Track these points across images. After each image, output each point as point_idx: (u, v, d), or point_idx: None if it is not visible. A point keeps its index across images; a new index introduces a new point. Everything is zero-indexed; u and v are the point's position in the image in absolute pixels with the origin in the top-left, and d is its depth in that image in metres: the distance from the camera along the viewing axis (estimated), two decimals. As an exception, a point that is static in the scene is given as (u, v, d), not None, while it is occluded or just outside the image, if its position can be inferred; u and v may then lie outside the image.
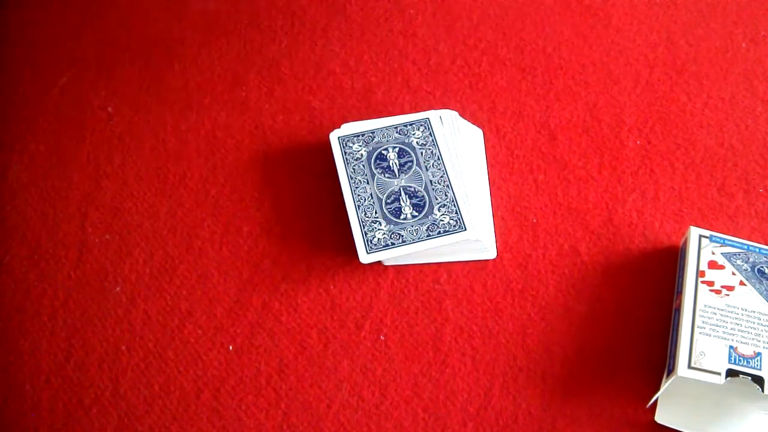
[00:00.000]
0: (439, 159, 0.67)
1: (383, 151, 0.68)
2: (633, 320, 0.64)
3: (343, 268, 0.67)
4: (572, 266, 0.66)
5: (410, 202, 0.65)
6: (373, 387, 0.62)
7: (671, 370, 0.57)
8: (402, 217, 0.65)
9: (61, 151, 0.74)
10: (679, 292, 0.61)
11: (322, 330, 0.64)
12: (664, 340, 0.63)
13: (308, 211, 0.70)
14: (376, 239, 0.64)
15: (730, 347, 0.56)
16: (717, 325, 0.57)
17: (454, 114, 0.70)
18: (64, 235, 0.69)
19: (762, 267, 0.61)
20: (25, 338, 0.65)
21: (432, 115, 0.70)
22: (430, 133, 0.69)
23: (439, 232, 0.64)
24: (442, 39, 0.79)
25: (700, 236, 0.63)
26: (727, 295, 0.59)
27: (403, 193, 0.66)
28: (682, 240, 0.66)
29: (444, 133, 0.69)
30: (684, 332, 0.57)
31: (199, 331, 0.65)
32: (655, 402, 0.59)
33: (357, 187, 0.66)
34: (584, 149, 0.72)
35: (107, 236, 0.69)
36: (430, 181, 0.66)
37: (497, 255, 0.67)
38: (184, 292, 0.66)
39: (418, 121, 0.70)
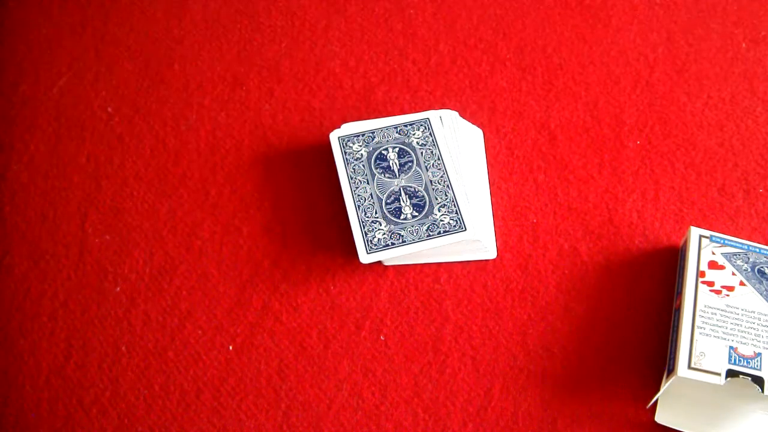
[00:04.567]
0: (439, 159, 0.67)
1: (383, 151, 0.68)
2: (633, 320, 0.64)
3: (343, 268, 0.67)
4: (572, 266, 0.66)
5: (410, 202, 0.65)
6: (373, 387, 0.62)
7: (671, 371, 0.57)
8: (402, 217, 0.65)
9: (61, 151, 0.74)
10: (679, 293, 0.61)
11: (322, 330, 0.64)
12: (664, 340, 0.63)
13: (308, 211, 0.70)
14: (376, 239, 0.64)
15: (730, 348, 0.56)
16: (717, 326, 0.57)
17: (454, 114, 0.70)
18: (64, 235, 0.69)
19: (762, 267, 0.61)
20: (25, 338, 0.65)
21: (432, 115, 0.70)
22: (430, 133, 0.69)
23: (440, 232, 0.64)
24: (442, 39, 0.79)
25: (701, 236, 0.63)
26: (728, 295, 0.59)
27: (403, 193, 0.66)
28: (682, 240, 0.66)
29: (444, 133, 0.69)
30: (684, 332, 0.57)
31: (199, 331, 0.65)
32: (655, 402, 0.59)
33: (357, 187, 0.66)
34: (584, 149, 0.72)
35: (107, 236, 0.69)
36: (430, 181, 0.66)
37: (497, 255, 0.67)
38: (184, 292, 0.66)
39: (418, 121, 0.70)
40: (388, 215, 0.65)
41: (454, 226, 0.64)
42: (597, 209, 0.69)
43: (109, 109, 0.76)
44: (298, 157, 0.73)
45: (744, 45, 0.78)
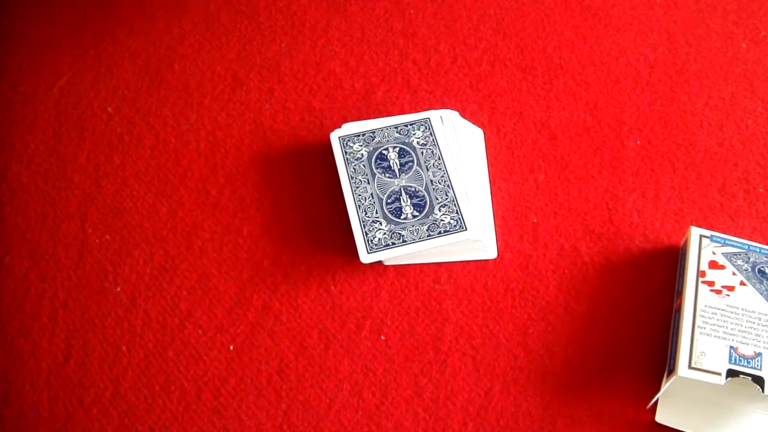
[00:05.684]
0: (439, 159, 0.67)
1: (384, 151, 0.68)
2: (633, 320, 0.64)
3: (343, 268, 0.67)
4: (572, 266, 0.66)
5: (411, 202, 0.65)
6: (374, 387, 0.62)
7: (671, 370, 0.57)
8: (402, 217, 0.65)
9: (61, 151, 0.74)
10: (680, 293, 0.61)
11: (322, 330, 0.64)
12: (664, 340, 0.63)
13: (308, 211, 0.70)
14: (376, 239, 0.64)
15: (731, 347, 0.56)
16: (717, 326, 0.57)
17: (455, 114, 0.70)
18: (64, 235, 0.69)
19: (762, 267, 0.61)
20: (25, 338, 0.65)
21: (432, 115, 0.70)
22: (431, 133, 0.69)
23: (440, 232, 0.64)
24: (442, 39, 0.79)
25: (701, 236, 0.63)
26: (728, 295, 0.59)
27: (403, 193, 0.66)
28: (683, 240, 0.66)
29: (444, 133, 0.69)
30: (684, 332, 0.57)
31: (199, 331, 0.65)
32: (656, 402, 0.59)
33: (357, 187, 0.66)
34: (584, 149, 0.72)
35: (107, 236, 0.69)
36: (431, 180, 0.66)
37: (497, 255, 0.67)
38: (184, 292, 0.66)
39: (419, 120, 0.70)
40: (389, 215, 0.65)
41: (455, 225, 0.64)
42: (597, 209, 0.69)
43: (109, 109, 0.76)
44: (298, 157, 0.73)
45: (744, 45, 0.78)
